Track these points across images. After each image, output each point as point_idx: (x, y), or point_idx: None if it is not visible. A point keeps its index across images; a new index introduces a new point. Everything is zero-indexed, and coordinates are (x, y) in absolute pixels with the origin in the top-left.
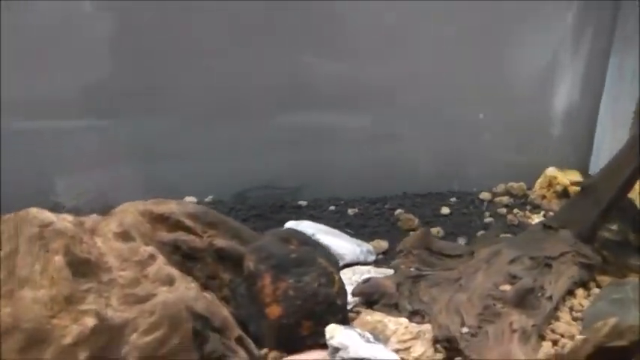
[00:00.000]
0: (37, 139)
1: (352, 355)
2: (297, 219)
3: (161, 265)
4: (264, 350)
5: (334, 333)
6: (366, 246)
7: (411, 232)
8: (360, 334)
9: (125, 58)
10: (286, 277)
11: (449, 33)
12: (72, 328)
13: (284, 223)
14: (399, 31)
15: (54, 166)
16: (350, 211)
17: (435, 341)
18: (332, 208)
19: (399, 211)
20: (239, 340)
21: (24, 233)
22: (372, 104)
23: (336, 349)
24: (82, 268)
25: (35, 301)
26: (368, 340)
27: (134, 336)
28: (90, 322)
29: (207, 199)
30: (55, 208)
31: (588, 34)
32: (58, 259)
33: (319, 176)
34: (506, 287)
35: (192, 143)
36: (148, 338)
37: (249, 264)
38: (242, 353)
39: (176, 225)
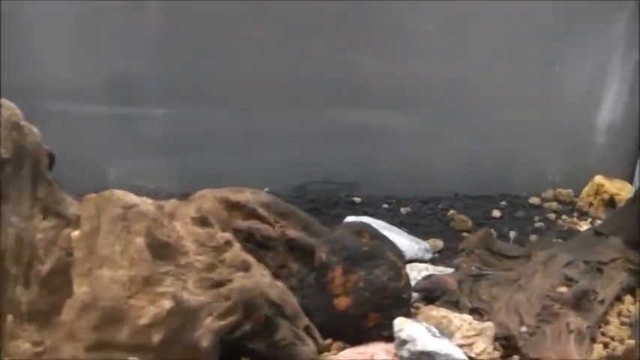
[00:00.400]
0: (103, 124)
1: (419, 348)
2: (351, 215)
3: (237, 252)
4: (329, 340)
5: (403, 326)
6: (424, 244)
7: (464, 233)
8: (426, 328)
9: (186, 49)
10: (357, 270)
11: (501, 36)
12: (148, 309)
13: (339, 218)
14: (452, 32)
15: (120, 151)
16: (403, 210)
17: (496, 338)
18: (385, 206)
19: (452, 211)
20: (306, 329)
21: (107, 213)
22: (425, 103)
23: (404, 342)
24: (161, 250)
25: (114, 281)
26: (434, 335)
27: (208, 320)
28: (166, 304)
29: (264, 191)
30: (135, 191)
31: (638, 43)
32: (139, 241)
33: (372, 173)
34: (563, 289)
35: (248, 135)
36: (223, 322)
37: (322, 255)
38: (309, 341)
39: (250, 213)
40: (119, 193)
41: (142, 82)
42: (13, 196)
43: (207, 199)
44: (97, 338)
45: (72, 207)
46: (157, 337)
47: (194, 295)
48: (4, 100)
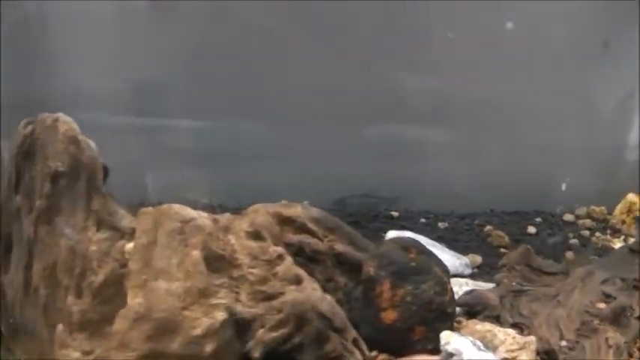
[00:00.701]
0: (138, 135)
1: None
2: (390, 229)
3: (289, 265)
4: (374, 352)
5: (450, 339)
6: (464, 259)
7: (502, 249)
8: (472, 342)
9: (226, 61)
10: (404, 284)
11: (537, 54)
12: (202, 321)
13: (378, 232)
14: (490, 49)
15: (155, 163)
16: (440, 225)
17: (537, 353)
18: (423, 220)
19: (488, 227)
20: (354, 342)
21: (164, 227)
22: (461, 119)
23: (450, 355)
24: (216, 263)
25: (169, 293)
26: (479, 348)
27: (261, 331)
28: (220, 315)
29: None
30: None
31: None
32: (196, 254)
33: (409, 188)
34: (601, 305)
35: (288, 148)
36: (274, 334)
37: (370, 269)
38: (357, 354)
39: (301, 228)
40: (177, 207)
41: (177, 94)
42: (67, 209)
43: (260, 213)
44: (149, 348)
45: (125, 219)
46: (209, 348)
47: (247, 307)
48: (61, 115)
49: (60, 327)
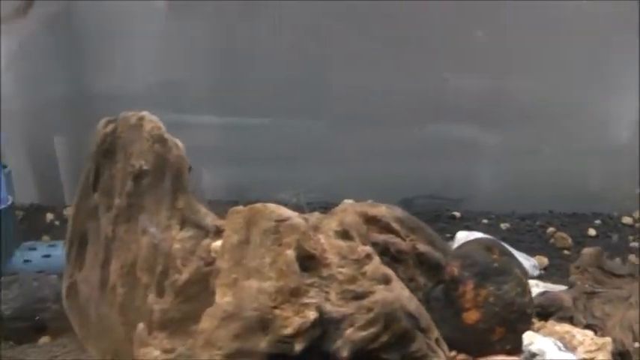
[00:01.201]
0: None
1: None
2: (453, 229)
3: (378, 265)
4: (453, 352)
5: (533, 339)
6: (533, 260)
7: (565, 251)
8: (554, 342)
9: (288, 60)
10: (487, 285)
11: (595, 54)
12: (294, 320)
13: (441, 232)
14: (548, 49)
15: (218, 160)
16: (502, 226)
17: (612, 354)
18: (485, 221)
19: (551, 229)
20: (437, 341)
21: (258, 226)
22: (520, 119)
23: (533, 355)
24: (307, 262)
25: (261, 292)
26: (560, 349)
27: (349, 330)
28: (311, 314)
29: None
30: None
31: None
32: (289, 253)
33: (471, 189)
34: None
35: (351, 147)
36: (363, 333)
37: (453, 270)
38: (441, 354)
39: (385, 227)
40: (272, 206)
41: (240, 91)
42: (150, 207)
43: (349, 212)
44: (237, 347)
45: (208, 217)
46: (298, 347)
47: (336, 307)
48: (146, 114)
49: (140, 326)
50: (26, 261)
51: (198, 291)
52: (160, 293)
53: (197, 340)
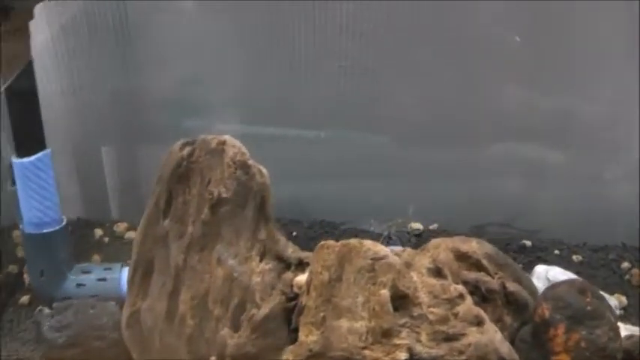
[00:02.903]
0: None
1: None
2: (524, 260)
3: (470, 305)
4: None
5: None
6: (613, 300)
7: None
8: None
9: (354, 72)
10: (579, 329)
11: None
12: None
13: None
14: (618, 68)
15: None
16: (574, 258)
17: None
18: (557, 252)
19: (625, 264)
20: None
21: (353, 264)
22: (587, 141)
23: None
24: (399, 301)
25: (351, 331)
26: None
27: None
28: (402, 356)
29: (431, 227)
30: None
31: None
32: (384, 293)
33: (541, 215)
34: None
35: (414, 165)
36: None
37: (545, 312)
38: None
39: (475, 264)
40: (368, 243)
41: (297, 101)
42: (228, 237)
43: (442, 249)
44: None
45: (289, 248)
46: None
47: (427, 348)
48: (228, 138)
49: (212, 359)
50: (79, 285)
51: (276, 326)
52: (235, 327)
53: None
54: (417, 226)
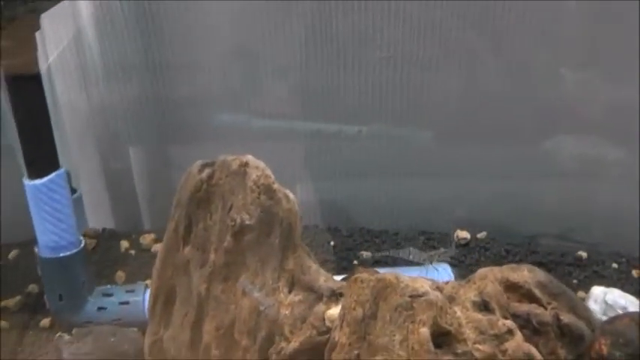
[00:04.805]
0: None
1: None
2: (579, 274)
3: (520, 342)
4: None
5: None
6: None
7: None
8: None
9: (396, 64)
10: None
11: None
12: None
13: (568, 277)
14: None
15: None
16: (634, 273)
17: None
18: (615, 265)
19: None
20: None
21: (389, 302)
22: None
23: None
24: (441, 338)
25: None
26: None
27: None
28: None
29: (479, 235)
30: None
31: None
32: (424, 332)
33: (589, 218)
34: None
35: (453, 163)
36: None
37: (602, 347)
38: None
39: (526, 294)
40: (405, 280)
41: (333, 94)
42: (253, 266)
43: (489, 280)
44: None
45: (320, 277)
46: None
47: None
48: (250, 158)
49: None
50: (100, 309)
51: None
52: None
53: None
54: (464, 234)
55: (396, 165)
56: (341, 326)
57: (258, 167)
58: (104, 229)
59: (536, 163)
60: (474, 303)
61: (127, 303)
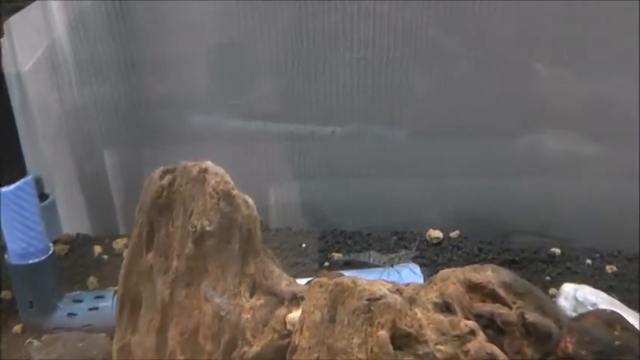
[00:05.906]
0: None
1: None
2: (552, 271)
3: (482, 342)
4: None
5: None
6: None
7: None
8: None
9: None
10: None
11: None
12: None
13: (541, 274)
14: None
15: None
16: (608, 269)
17: None
18: (588, 262)
19: None
20: None
21: (347, 305)
22: (622, 134)
23: None
24: (401, 340)
25: None
26: None
27: None
28: None
29: (452, 234)
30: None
31: None
32: (382, 334)
33: (565, 215)
34: None
35: (429, 162)
36: None
37: (568, 346)
38: None
39: (490, 294)
40: (363, 284)
41: (308, 96)
42: (215, 272)
43: (451, 281)
44: None
45: (282, 281)
46: None
47: None
48: (209, 164)
49: None
50: (71, 314)
51: None
52: None
53: None
54: (437, 234)
55: (370, 165)
56: (301, 330)
57: (217, 173)
58: (78, 235)
59: (511, 161)
60: (436, 304)
61: (96, 309)
